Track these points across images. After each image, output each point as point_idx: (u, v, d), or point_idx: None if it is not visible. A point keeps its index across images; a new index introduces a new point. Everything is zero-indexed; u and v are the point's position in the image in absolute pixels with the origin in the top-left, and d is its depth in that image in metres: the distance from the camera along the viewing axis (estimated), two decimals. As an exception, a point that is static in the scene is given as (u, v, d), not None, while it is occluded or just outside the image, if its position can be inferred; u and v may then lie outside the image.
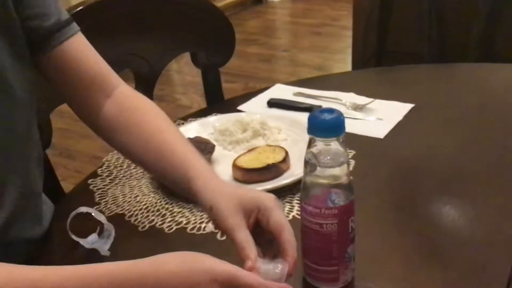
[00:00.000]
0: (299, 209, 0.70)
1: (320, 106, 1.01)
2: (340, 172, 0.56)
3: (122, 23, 0.99)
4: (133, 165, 0.89)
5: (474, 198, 0.76)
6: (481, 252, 0.66)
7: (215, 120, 0.98)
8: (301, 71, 3.07)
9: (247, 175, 0.81)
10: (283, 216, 0.57)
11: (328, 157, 0.56)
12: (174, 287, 0.48)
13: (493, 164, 0.83)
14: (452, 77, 1.16)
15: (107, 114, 0.72)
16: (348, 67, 2.80)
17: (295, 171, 0.81)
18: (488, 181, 0.79)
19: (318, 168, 0.56)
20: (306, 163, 0.57)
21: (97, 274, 0.49)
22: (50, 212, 0.78)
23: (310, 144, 0.56)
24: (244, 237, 0.54)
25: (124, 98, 0.73)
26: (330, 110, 0.55)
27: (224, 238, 0.71)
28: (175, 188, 0.69)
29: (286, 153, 0.84)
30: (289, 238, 0.55)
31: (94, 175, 0.88)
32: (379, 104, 1.02)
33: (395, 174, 0.84)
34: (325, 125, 0.54)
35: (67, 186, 0.97)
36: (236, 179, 0.82)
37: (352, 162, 0.85)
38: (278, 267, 0.54)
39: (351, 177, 0.58)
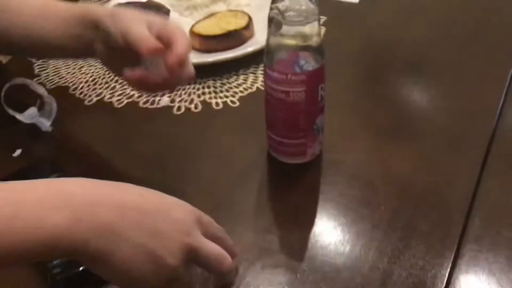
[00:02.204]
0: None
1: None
2: (310, 30, 0.48)
3: None
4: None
5: (448, 70, 0.70)
6: (456, 123, 0.61)
7: (170, -18, 0.86)
8: None
9: (206, 43, 0.72)
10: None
11: (296, 13, 0.47)
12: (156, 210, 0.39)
13: (465, 40, 0.77)
14: None
15: None
16: None
17: (259, 39, 0.73)
18: (463, 51, 0.73)
19: (284, 26, 0.48)
20: (270, 21, 0.49)
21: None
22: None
23: (275, -2, 0.48)
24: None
25: None
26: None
27: (180, 112, 0.64)
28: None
29: (250, 18, 0.75)
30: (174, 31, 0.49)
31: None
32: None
33: (368, 43, 0.77)
34: (293, -27, 0.46)
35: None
36: (194, 47, 0.73)
37: (323, 29, 0.77)
38: None
39: (321, 39, 0.50)
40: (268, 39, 0.50)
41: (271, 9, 0.48)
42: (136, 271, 0.37)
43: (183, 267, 0.39)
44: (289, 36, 0.49)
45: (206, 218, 0.43)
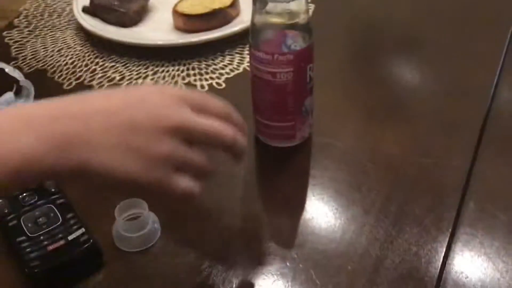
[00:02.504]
0: (249, 59, 0.61)
1: None
2: (297, 7, 0.46)
3: None
4: (55, 15, 0.76)
5: (440, 49, 0.68)
6: (449, 104, 0.59)
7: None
8: None
9: (190, 22, 0.69)
10: None
11: (282, -10, 0.45)
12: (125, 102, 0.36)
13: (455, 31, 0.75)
14: None
15: None
16: None
17: (245, 17, 0.70)
18: (454, 30, 0.71)
19: (270, 4, 0.46)
20: (255, -2, 0.46)
21: None
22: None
23: (260, -26, 0.45)
24: None
25: None
26: None
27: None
28: None
29: (235, -4, 0.72)
30: None
31: (10, 26, 0.74)
32: None
33: (358, 21, 0.74)
34: None
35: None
36: (177, 27, 0.71)
37: (312, 6, 0.74)
38: None
39: (309, 16, 0.48)
40: (253, 18, 0.48)
41: (255, -15, 0.46)
42: (123, 172, 0.34)
43: (181, 150, 0.35)
44: (275, 14, 0.46)
45: (198, 95, 0.39)
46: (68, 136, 0.33)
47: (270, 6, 0.46)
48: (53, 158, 0.32)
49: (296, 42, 0.47)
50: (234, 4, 0.71)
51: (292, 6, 0.46)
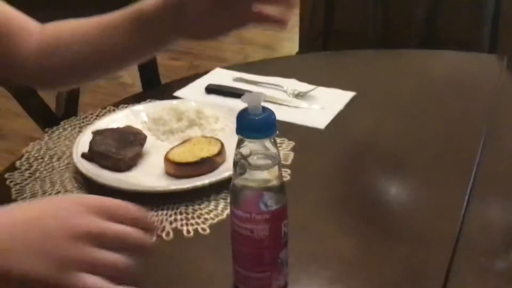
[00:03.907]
0: (232, 207, 0.66)
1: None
2: (271, 175, 0.52)
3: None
4: (55, 158, 0.83)
5: (415, 188, 0.75)
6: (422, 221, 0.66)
7: (149, 108, 0.92)
8: (248, 49, 3.01)
9: (180, 169, 0.76)
10: None
11: (258, 159, 0.52)
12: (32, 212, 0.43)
13: (431, 148, 0.83)
14: (393, 64, 1.14)
15: (34, 45, 0.67)
16: (295, 45, 2.76)
17: (231, 164, 0.77)
18: (427, 164, 0.79)
19: (248, 171, 0.52)
20: (235, 164, 0.53)
21: None
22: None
23: (239, 144, 0.52)
24: None
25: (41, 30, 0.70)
26: (261, 109, 0.51)
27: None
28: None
29: (222, 145, 0.79)
30: None
31: (12, 168, 0.81)
32: (320, 92, 0.99)
33: (335, 167, 0.81)
34: (254, 125, 0.50)
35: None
36: (168, 173, 0.77)
37: (291, 155, 0.81)
38: None
39: (283, 179, 0.54)
40: (233, 180, 0.54)
41: (235, 153, 0.53)
42: (36, 273, 0.40)
43: (91, 252, 0.41)
44: (252, 179, 0.52)
45: (110, 202, 0.44)
46: None
47: (248, 172, 0.52)
48: None
49: (271, 202, 0.53)
50: (220, 153, 0.78)
51: (268, 173, 0.52)
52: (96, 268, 0.42)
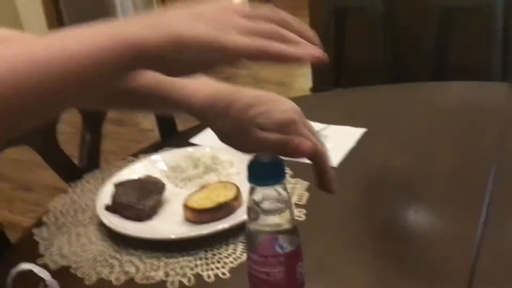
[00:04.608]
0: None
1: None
2: (284, 218, 0.55)
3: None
4: (80, 211, 0.86)
5: (429, 221, 0.76)
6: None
7: (166, 157, 0.96)
8: (263, 88, 3.06)
9: (199, 216, 0.79)
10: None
11: (270, 204, 0.54)
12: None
13: (443, 180, 0.85)
14: (403, 98, 1.17)
15: None
16: (308, 81, 2.82)
17: (247, 208, 0.80)
18: (440, 196, 0.81)
19: (261, 216, 0.55)
20: (249, 210, 0.56)
21: None
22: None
23: (252, 191, 0.55)
24: None
25: None
26: (269, 156, 0.54)
27: (174, 287, 0.69)
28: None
29: (238, 189, 0.82)
30: None
31: (39, 223, 0.84)
32: (332, 130, 1.02)
33: (349, 205, 0.83)
34: (264, 173, 0.53)
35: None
36: (187, 219, 0.80)
37: (306, 195, 0.84)
38: None
39: (296, 221, 0.57)
40: (247, 225, 0.57)
41: (249, 200, 0.55)
42: (203, 32, 0.44)
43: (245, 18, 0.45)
44: (265, 224, 0.55)
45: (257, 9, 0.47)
46: (155, 20, 0.44)
47: (262, 218, 0.55)
48: (153, 37, 0.43)
49: (285, 245, 0.55)
50: (237, 197, 0.81)
51: (281, 217, 0.55)
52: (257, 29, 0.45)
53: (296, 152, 0.53)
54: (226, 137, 0.58)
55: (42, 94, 0.43)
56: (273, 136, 0.55)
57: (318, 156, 0.55)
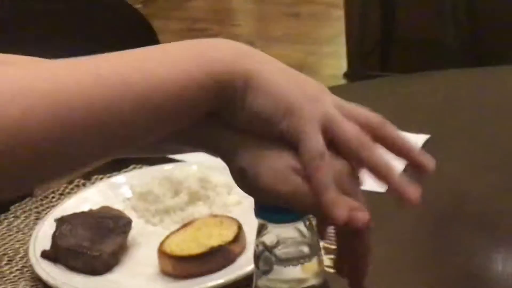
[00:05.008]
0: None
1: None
2: (309, 271, 0.55)
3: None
4: (5, 259, 0.87)
5: None
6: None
7: (133, 178, 0.97)
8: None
9: (181, 265, 0.79)
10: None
11: (289, 250, 0.55)
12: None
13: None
14: (486, 88, 1.17)
15: None
16: (341, 64, 2.83)
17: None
18: None
19: (275, 267, 0.55)
20: (257, 258, 0.56)
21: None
22: None
23: (261, 230, 0.55)
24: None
25: None
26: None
27: None
28: None
29: (239, 227, 0.83)
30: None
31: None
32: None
33: (409, 247, 0.84)
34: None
35: None
36: (164, 271, 0.81)
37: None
38: None
39: (326, 274, 0.57)
40: (255, 280, 0.57)
41: (256, 243, 0.56)
42: (281, 86, 0.53)
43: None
44: (282, 279, 0.55)
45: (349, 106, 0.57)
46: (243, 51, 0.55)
47: (276, 269, 0.55)
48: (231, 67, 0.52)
49: (311, 310, 0.56)
50: (237, 239, 0.81)
51: (303, 269, 0.55)
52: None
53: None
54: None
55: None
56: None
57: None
